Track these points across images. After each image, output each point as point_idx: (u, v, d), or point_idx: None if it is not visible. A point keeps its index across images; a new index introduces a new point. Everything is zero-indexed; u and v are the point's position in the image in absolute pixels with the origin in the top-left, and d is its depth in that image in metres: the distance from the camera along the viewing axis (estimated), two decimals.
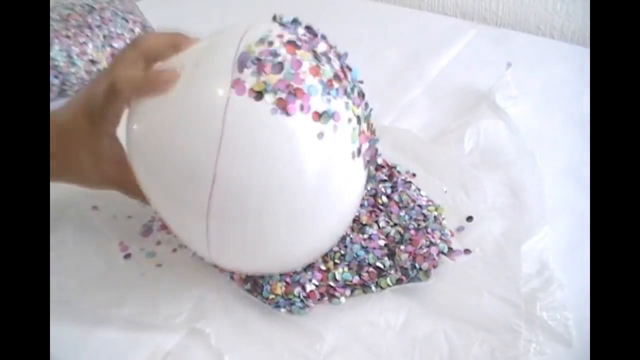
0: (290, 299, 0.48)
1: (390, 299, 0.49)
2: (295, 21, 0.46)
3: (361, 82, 0.47)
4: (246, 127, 0.40)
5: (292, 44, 0.43)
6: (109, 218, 0.57)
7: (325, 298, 0.49)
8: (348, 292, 0.49)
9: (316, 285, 0.49)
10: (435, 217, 0.55)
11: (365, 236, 0.53)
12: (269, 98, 0.40)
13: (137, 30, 0.81)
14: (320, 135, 0.41)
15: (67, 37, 0.74)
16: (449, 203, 0.58)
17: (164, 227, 0.56)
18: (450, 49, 0.84)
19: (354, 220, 0.55)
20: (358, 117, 0.45)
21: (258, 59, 0.41)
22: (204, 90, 0.42)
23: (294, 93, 0.41)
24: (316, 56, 0.43)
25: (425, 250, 0.51)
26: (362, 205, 0.56)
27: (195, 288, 0.50)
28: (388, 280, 0.49)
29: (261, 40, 0.42)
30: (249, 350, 0.45)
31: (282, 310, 0.48)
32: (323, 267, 0.51)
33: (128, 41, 0.76)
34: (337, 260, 0.51)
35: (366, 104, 0.48)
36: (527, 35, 0.90)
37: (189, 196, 0.43)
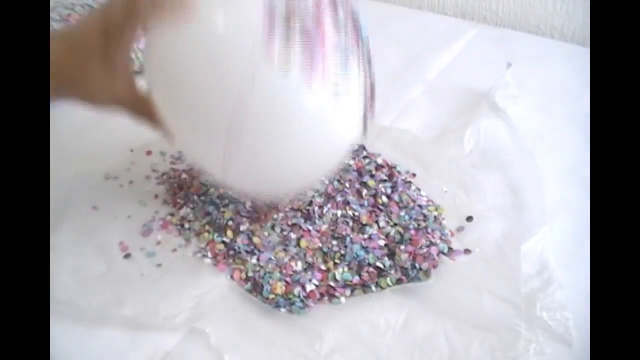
0: (290, 299, 0.48)
1: (390, 299, 0.49)
2: None
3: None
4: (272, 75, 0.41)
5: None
6: (109, 218, 0.57)
7: (325, 298, 0.49)
8: (348, 292, 0.49)
9: (316, 285, 0.49)
10: (435, 217, 0.55)
11: (365, 236, 0.53)
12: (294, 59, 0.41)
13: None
14: (336, 95, 0.43)
15: None
16: (449, 203, 0.58)
17: (164, 226, 0.56)
18: (450, 49, 0.84)
19: (354, 220, 0.55)
20: (365, 83, 0.45)
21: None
22: (231, 30, 0.42)
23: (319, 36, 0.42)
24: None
25: (425, 250, 0.51)
26: (362, 205, 0.56)
27: (195, 288, 0.50)
28: (388, 280, 0.49)
29: None
30: (249, 350, 0.45)
31: (282, 310, 0.48)
32: (323, 267, 0.51)
33: None
34: (337, 260, 0.51)
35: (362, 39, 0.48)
36: (527, 35, 0.90)
37: (211, 110, 0.43)
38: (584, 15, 0.90)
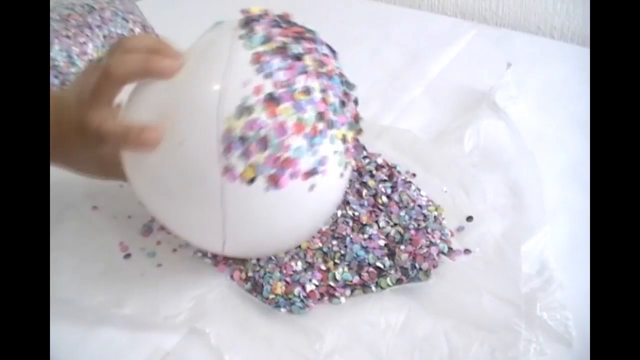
0: (290, 299, 0.48)
1: (390, 299, 0.49)
2: (260, 17, 0.46)
3: (342, 76, 0.47)
4: (243, 206, 0.44)
5: (271, 101, 0.42)
6: (109, 218, 0.57)
7: (325, 298, 0.49)
8: (348, 292, 0.49)
9: (316, 285, 0.49)
10: (435, 217, 0.55)
11: (365, 236, 0.53)
12: (260, 181, 0.42)
13: (137, 30, 0.81)
14: (312, 187, 0.44)
15: (67, 37, 0.74)
16: (449, 203, 0.58)
17: (164, 226, 0.56)
18: (450, 49, 0.84)
19: (354, 220, 0.55)
20: (344, 137, 0.46)
21: (242, 138, 0.41)
22: (194, 171, 0.43)
23: (282, 165, 0.42)
24: (296, 102, 0.43)
25: (425, 250, 0.51)
26: (362, 205, 0.56)
27: (195, 288, 0.50)
28: (388, 280, 0.49)
29: (240, 111, 0.41)
30: (249, 350, 0.45)
31: (282, 310, 0.48)
32: (323, 267, 0.51)
33: None
34: (337, 260, 0.51)
35: (355, 100, 0.48)
36: (527, 35, 0.90)
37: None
38: (584, 15, 0.90)
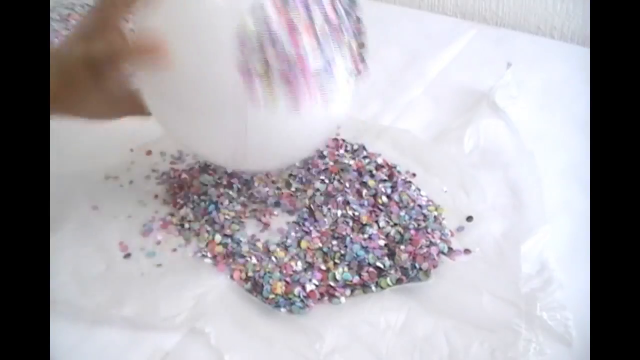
0: (290, 299, 0.48)
1: (390, 299, 0.49)
2: None
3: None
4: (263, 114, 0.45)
5: (282, 2, 0.43)
6: (109, 218, 0.57)
7: (325, 298, 0.49)
8: (348, 292, 0.49)
9: (316, 285, 0.49)
10: (435, 217, 0.55)
11: (365, 236, 0.53)
12: (277, 86, 0.43)
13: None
14: (322, 89, 0.46)
15: None
16: (449, 203, 0.58)
17: (164, 226, 0.56)
18: (450, 49, 0.84)
19: (354, 220, 0.55)
20: (349, 44, 0.48)
21: (255, 35, 0.42)
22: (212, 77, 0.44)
23: (293, 62, 0.43)
24: (305, 3, 0.44)
25: (425, 250, 0.51)
26: (362, 205, 0.56)
27: (195, 288, 0.50)
28: (388, 280, 0.49)
29: (252, 9, 0.42)
30: (249, 349, 0.45)
31: (282, 310, 0.48)
32: (323, 267, 0.51)
33: None
34: (337, 260, 0.51)
35: (358, 18, 0.50)
36: (527, 35, 0.90)
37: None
38: (584, 15, 0.90)
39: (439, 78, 0.78)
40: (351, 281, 0.50)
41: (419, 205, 0.56)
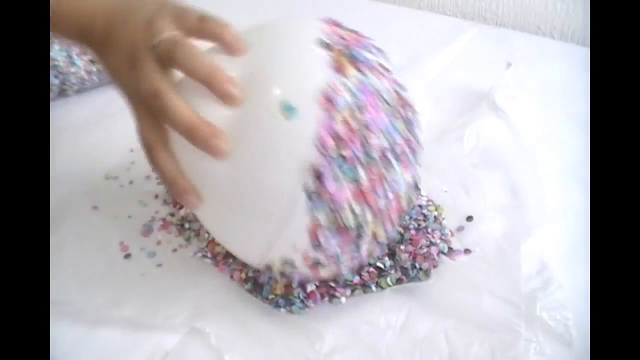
0: (290, 299, 0.48)
1: (390, 299, 0.49)
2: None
3: None
4: None
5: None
6: (109, 218, 0.57)
7: (326, 298, 0.49)
8: (348, 292, 0.49)
9: (316, 286, 0.49)
10: (435, 217, 0.55)
11: None
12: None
13: None
14: None
15: None
16: (449, 203, 0.57)
17: (164, 226, 0.56)
18: (450, 49, 0.84)
19: None
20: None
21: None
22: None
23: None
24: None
25: (425, 250, 0.51)
26: None
27: (195, 288, 0.50)
28: (388, 280, 0.49)
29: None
30: (249, 350, 0.45)
31: (282, 310, 0.48)
32: None
33: None
34: None
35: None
36: (527, 35, 0.90)
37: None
38: (584, 15, 0.90)
39: (439, 78, 0.78)
40: (351, 281, 0.50)
41: (419, 205, 0.56)
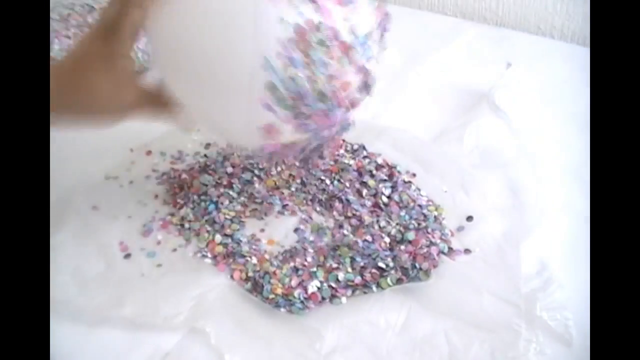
0: (290, 300, 0.48)
1: (391, 299, 0.48)
2: None
3: None
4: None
5: None
6: (109, 218, 0.57)
7: (326, 299, 0.49)
8: (349, 292, 0.49)
9: (318, 288, 0.49)
10: (435, 217, 0.55)
11: (369, 237, 0.53)
12: None
13: None
14: None
15: (67, 37, 0.74)
16: (449, 203, 0.58)
17: (164, 226, 0.56)
18: (450, 49, 0.84)
19: (356, 220, 0.55)
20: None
21: None
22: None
23: None
24: None
25: (425, 250, 0.51)
26: (362, 205, 0.56)
27: (195, 288, 0.50)
28: (388, 280, 0.49)
29: None
30: (249, 349, 0.45)
31: (282, 310, 0.48)
32: (329, 265, 0.51)
33: None
34: (340, 262, 0.51)
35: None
36: (527, 35, 0.90)
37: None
38: (584, 15, 0.90)
39: (439, 78, 0.78)
40: (353, 282, 0.50)
41: (419, 205, 0.56)
